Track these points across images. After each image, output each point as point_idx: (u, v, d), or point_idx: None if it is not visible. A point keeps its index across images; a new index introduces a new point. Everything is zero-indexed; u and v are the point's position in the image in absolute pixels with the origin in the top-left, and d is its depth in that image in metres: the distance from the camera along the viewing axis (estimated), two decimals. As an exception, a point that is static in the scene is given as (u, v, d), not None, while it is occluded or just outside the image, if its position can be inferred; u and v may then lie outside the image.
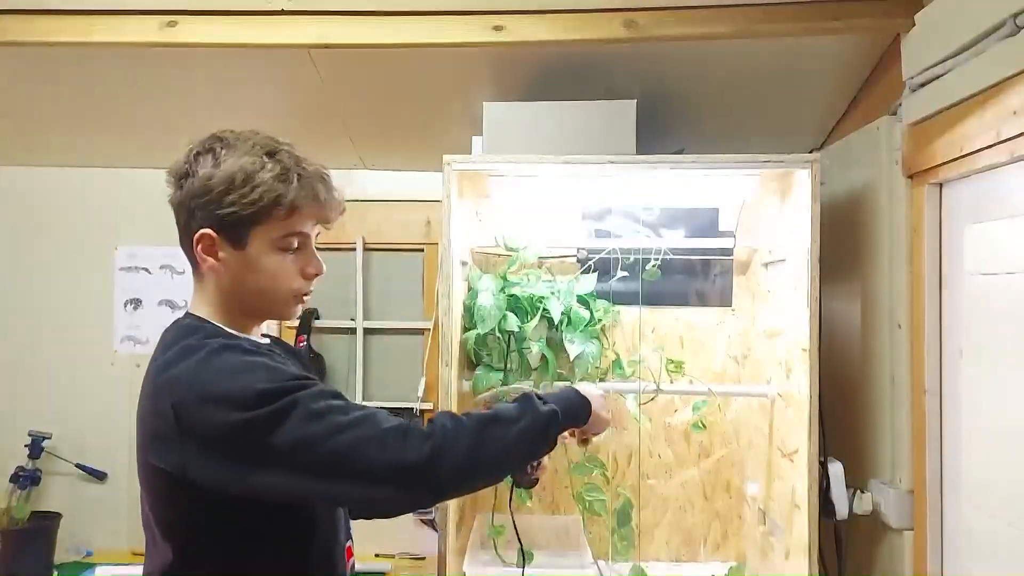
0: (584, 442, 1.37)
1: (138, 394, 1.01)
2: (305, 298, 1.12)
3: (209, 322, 1.08)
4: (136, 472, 1.03)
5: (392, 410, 2.48)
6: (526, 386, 1.92)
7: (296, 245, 1.08)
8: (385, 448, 0.95)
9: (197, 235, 1.05)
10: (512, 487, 1.37)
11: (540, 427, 1.08)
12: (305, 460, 0.94)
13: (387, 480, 0.95)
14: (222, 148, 1.05)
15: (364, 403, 2.07)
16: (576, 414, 1.20)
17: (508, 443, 1.04)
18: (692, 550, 2.22)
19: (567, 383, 1.85)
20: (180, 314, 1.11)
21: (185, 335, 1.04)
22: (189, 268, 1.09)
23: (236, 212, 1.03)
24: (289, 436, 0.93)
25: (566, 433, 1.27)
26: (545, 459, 1.25)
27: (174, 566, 1.01)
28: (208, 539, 1.01)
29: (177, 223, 1.09)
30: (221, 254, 1.06)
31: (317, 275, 1.11)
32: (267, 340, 1.17)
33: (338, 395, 1.01)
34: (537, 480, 1.31)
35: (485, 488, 1.11)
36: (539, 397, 1.12)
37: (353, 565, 1.20)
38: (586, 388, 1.25)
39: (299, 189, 1.05)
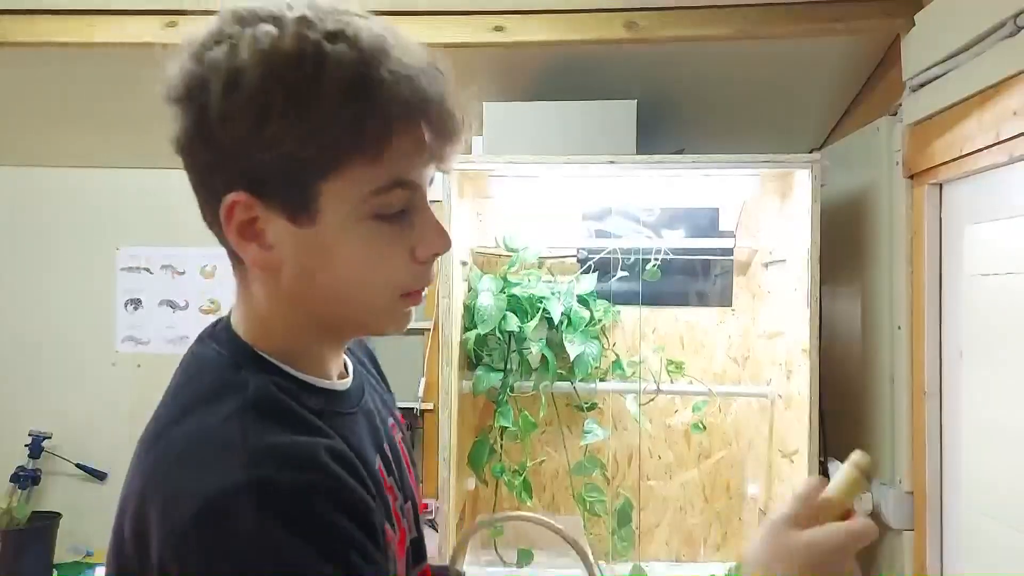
0: None
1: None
2: (412, 301, 0.68)
3: (250, 355, 0.66)
4: None
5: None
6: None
7: (399, 206, 0.64)
8: None
9: (227, 204, 0.61)
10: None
11: None
12: None
13: None
14: (247, 30, 0.59)
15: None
16: None
17: None
18: (692, 551, 2.22)
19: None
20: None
21: (202, 388, 0.64)
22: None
23: (288, 156, 0.58)
24: None
25: None
26: None
27: None
28: None
29: (193, 185, 0.64)
30: (270, 236, 0.62)
31: (437, 255, 0.68)
32: (341, 387, 0.74)
33: None
34: None
35: None
36: None
37: None
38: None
39: (393, 96, 0.59)
